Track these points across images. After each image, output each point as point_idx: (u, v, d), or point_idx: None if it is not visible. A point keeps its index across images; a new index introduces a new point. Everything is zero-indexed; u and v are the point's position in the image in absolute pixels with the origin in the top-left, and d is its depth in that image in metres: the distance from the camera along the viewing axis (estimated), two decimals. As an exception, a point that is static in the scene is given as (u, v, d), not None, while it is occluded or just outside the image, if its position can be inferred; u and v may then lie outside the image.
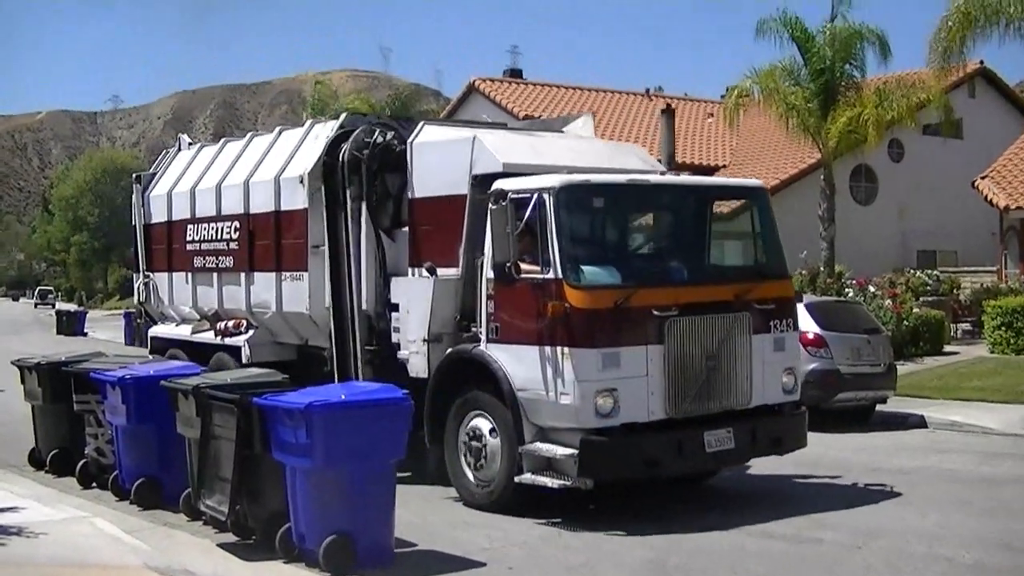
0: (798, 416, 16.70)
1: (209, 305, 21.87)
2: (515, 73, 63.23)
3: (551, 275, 14.76)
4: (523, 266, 14.93)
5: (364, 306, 18.00)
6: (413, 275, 17.25)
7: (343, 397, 12.68)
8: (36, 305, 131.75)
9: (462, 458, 15.97)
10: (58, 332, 68.56)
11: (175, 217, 23.11)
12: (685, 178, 17.89)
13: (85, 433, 17.77)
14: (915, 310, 36.59)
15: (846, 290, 35.88)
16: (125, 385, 16.16)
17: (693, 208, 17.45)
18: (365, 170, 17.98)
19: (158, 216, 23.94)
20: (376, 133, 18.22)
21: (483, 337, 15.72)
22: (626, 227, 17.98)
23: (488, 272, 15.58)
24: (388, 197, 18.02)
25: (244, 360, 19.99)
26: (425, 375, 16.51)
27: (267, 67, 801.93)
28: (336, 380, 17.74)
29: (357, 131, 18.41)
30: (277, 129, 21.63)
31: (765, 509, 15.69)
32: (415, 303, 16.83)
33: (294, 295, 19.27)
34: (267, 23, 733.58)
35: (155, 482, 16.18)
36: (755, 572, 12.89)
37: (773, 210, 17.34)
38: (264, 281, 20.04)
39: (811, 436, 16.98)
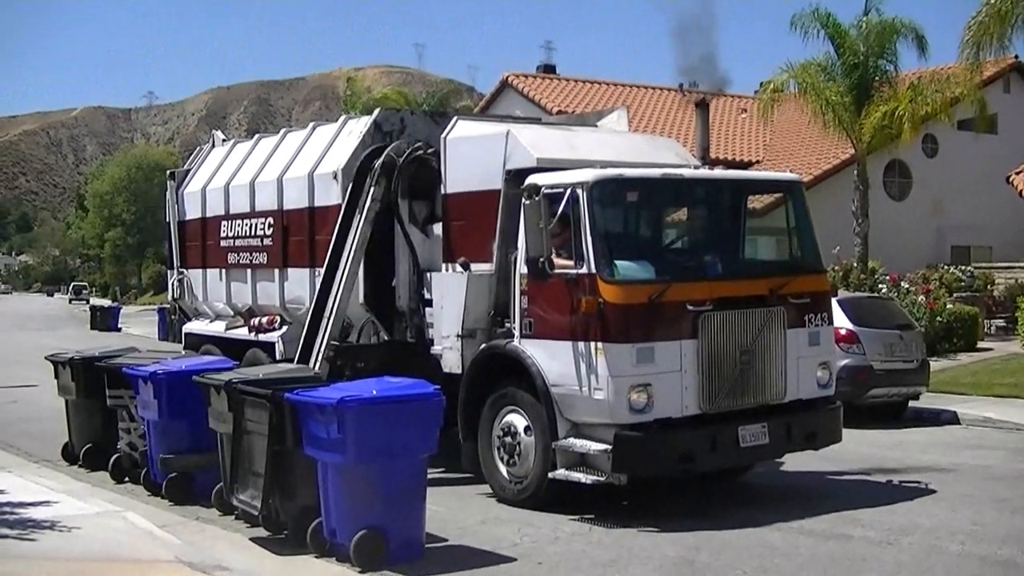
0: (833, 411, 16.60)
1: (243, 301, 21.92)
2: (548, 69, 62.75)
3: (585, 270, 14.72)
4: (557, 261, 14.92)
5: (398, 302, 18.07)
6: (447, 270, 17.25)
7: (375, 392, 12.65)
8: (71, 301, 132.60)
9: (495, 454, 15.95)
10: (92, 327, 68.77)
11: (209, 214, 23.17)
12: (720, 172, 17.77)
13: (118, 428, 17.83)
14: (948, 306, 36.46)
15: (879, 286, 35.72)
16: (157, 380, 16.19)
17: (728, 202, 17.39)
18: (399, 171, 18.03)
19: (192, 213, 23.99)
20: (418, 144, 18.31)
21: (517, 332, 15.70)
22: (660, 221, 17.88)
23: (521, 267, 15.52)
24: (421, 194, 18.08)
25: (278, 356, 20.00)
26: (459, 371, 16.50)
27: (301, 63, 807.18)
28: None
29: (398, 143, 18.50)
30: (311, 125, 21.66)
31: (797, 505, 15.64)
32: (449, 299, 16.82)
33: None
34: (301, 19, 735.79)
35: (187, 477, 16.20)
36: (784, 569, 12.79)
37: (808, 204, 17.27)
38: (298, 277, 20.06)
39: (844, 432, 16.89)
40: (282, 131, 22.74)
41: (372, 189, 18.06)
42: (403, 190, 18.11)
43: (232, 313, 22.45)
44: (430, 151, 18.15)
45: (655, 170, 16.29)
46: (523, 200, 15.12)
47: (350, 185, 18.43)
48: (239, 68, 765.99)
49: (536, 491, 15.37)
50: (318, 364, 17.67)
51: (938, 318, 34.91)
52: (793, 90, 39.82)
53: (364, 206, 18.07)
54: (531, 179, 15.46)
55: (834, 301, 18.95)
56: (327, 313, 18.08)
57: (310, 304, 19.40)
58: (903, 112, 37.02)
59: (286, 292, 20.44)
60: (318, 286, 18.55)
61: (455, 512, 15.23)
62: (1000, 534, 14.17)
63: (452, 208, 17.41)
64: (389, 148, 18.34)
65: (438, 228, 17.88)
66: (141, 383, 16.55)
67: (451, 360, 16.70)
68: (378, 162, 18.20)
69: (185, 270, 24.22)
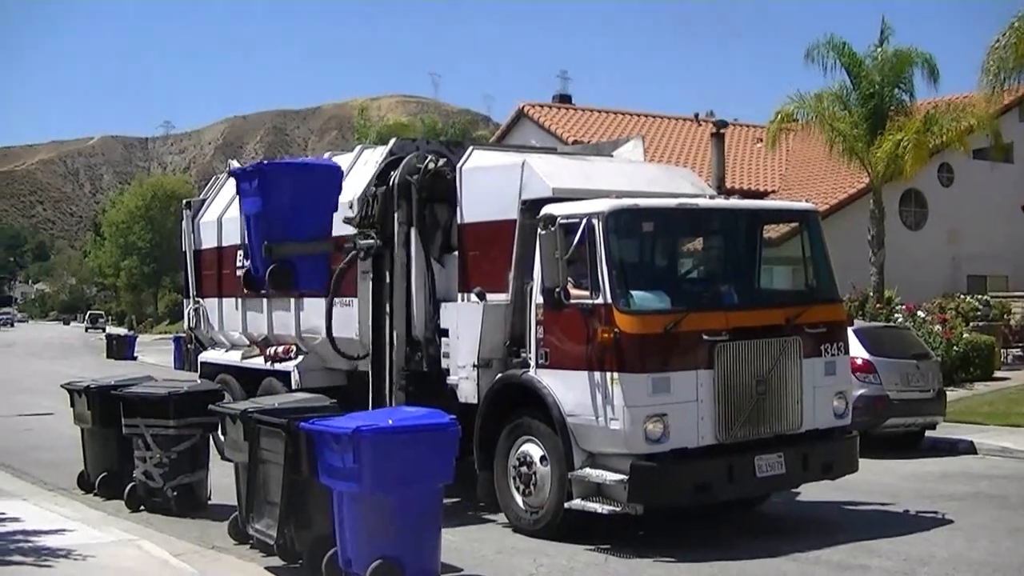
0: (849, 440, 16.55)
1: (259, 331, 21.93)
2: (564, 98, 62.73)
3: (600, 300, 14.70)
4: (572, 291, 14.89)
5: (414, 331, 18.02)
6: (463, 300, 17.25)
7: (390, 422, 12.64)
8: (87, 329, 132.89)
9: (511, 483, 15.93)
10: (108, 356, 68.72)
11: (225, 243, 23.21)
12: (735, 201, 17.77)
13: (134, 457, 17.82)
14: (965, 335, 36.33)
15: (895, 315, 35.66)
16: (264, 171, 17.81)
17: (743, 231, 17.37)
18: (415, 195, 17.98)
19: (208, 242, 24.03)
20: (428, 159, 18.21)
21: (533, 362, 15.68)
22: (676, 251, 17.90)
23: (537, 297, 15.53)
24: (438, 223, 18.04)
25: (294, 385, 20.01)
26: (475, 400, 16.49)
27: (317, 93, 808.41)
28: (370, 404, 17.74)
29: (409, 156, 18.42)
30: (326, 154, 21.68)
31: (813, 535, 15.58)
32: (465, 328, 16.82)
33: (344, 320, 19.20)
34: (317, 49, 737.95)
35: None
36: (803, 600, 12.81)
37: (824, 233, 17.24)
38: (314, 307, 20.02)
39: (860, 462, 16.83)
40: (298, 161, 22.77)
41: (396, 213, 18.07)
42: (419, 213, 18.05)
43: (248, 342, 22.47)
44: (442, 162, 18.12)
45: (671, 200, 16.29)
46: (539, 230, 15.12)
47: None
48: (256, 97, 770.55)
49: (552, 521, 15.33)
50: (394, 396, 17.69)
51: (955, 347, 34.79)
52: (802, 120, 39.77)
53: (394, 232, 18.07)
54: (547, 209, 15.44)
55: (850, 331, 18.95)
56: (387, 343, 18.09)
57: (326, 333, 19.39)
58: (908, 142, 36.94)
59: (302, 321, 20.44)
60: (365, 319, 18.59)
61: (471, 542, 15.23)
62: (1016, 564, 14.16)
63: (468, 238, 17.42)
64: (402, 164, 18.27)
65: (453, 256, 17.87)
66: (244, 179, 17.75)
67: (467, 390, 16.70)
68: (395, 175, 18.18)
69: (201, 299, 24.26)
